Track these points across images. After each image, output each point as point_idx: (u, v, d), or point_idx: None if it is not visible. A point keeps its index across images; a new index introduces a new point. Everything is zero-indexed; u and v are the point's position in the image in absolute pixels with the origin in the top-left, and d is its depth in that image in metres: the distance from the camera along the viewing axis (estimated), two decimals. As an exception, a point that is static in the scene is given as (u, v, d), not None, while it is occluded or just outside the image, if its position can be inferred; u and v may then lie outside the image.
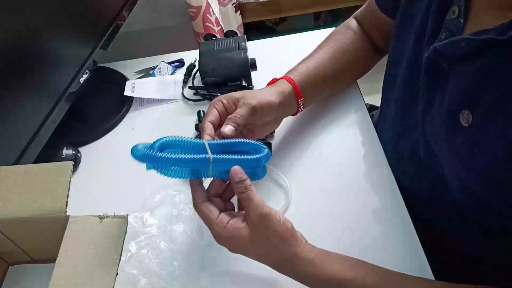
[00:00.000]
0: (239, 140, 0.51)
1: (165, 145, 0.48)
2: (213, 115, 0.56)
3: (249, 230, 0.48)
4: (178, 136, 0.49)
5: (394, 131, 0.65)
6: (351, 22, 0.77)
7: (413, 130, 0.58)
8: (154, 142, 0.47)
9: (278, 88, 0.64)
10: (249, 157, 0.50)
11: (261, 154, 0.50)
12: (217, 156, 0.49)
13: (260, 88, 0.66)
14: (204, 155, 0.48)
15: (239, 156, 0.50)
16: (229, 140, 0.51)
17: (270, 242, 0.48)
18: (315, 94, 0.71)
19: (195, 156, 0.48)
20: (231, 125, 0.54)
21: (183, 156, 0.47)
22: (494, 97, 0.42)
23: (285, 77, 0.67)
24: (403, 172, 0.64)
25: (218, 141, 0.51)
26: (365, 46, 0.75)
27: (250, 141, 0.51)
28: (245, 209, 0.49)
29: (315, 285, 0.49)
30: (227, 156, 0.49)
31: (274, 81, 0.68)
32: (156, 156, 0.46)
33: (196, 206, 0.50)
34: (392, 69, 0.64)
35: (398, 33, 0.62)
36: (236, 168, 0.49)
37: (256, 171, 0.52)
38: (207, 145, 0.49)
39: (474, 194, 0.49)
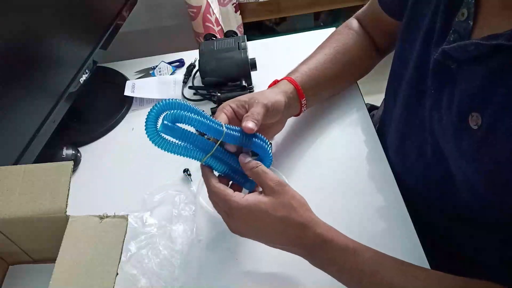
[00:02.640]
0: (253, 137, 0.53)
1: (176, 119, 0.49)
2: (223, 118, 0.56)
3: (268, 198, 0.49)
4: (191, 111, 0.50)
5: (400, 130, 0.65)
6: (352, 22, 0.77)
7: (420, 130, 0.58)
8: (173, 101, 0.48)
9: (281, 88, 0.64)
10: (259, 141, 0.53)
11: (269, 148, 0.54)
12: (229, 131, 0.52)
13: (263, 90, 0.66)
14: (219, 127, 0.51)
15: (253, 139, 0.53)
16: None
17: (290, 206, 0.49)
18: (317, 95, 0.71)
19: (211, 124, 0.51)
20: (252, 121, 0.54)
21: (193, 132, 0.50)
22: (503, 99, 0.42)
23: (287, 78, 0.67)
24: (409, 171, 0.64)
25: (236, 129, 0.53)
26: (367, 46, 0.75)
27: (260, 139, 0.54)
28: (261, 182, 0.50)
29: (332, 252, 0.50)
30: (238, 134, 0.52)
31: (275, 82, 0.68)
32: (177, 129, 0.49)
33: (211, 185, 0.51)
34: (398, 68, 0.64)
35: (404, 32, 0.61)
36: (244, 153, 0.52)
37: (267, 151, 0.54)
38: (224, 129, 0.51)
39: (480, 193, 0.49)
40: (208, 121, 0.50)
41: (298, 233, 0.50)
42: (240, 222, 0.51)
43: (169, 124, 0.49)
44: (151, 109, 0.48)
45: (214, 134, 0.51)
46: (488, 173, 0.46)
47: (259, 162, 0.52)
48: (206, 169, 0.53)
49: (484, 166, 0.46)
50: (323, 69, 0.70)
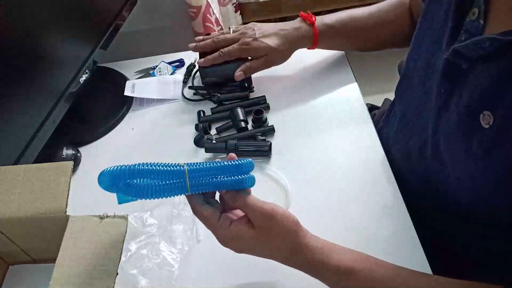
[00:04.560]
0: (220, 165, 0.46)
1: (135, 174, 0.43)
2: None
3: (254, 230, 0.47)
4: (149, 165, 0.43)
5: (405, 130, 0.65)
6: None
7: (422, 131, 0.58)
8: (119, 171, 0.42)
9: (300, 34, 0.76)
10: (229, 178, 0.46)
11: (242, 176, 0.47)
12: (195, 180, 0.45)
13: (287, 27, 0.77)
14: (181, 180, 0.44)
15: (219, 178, 0.46)
16: (209, 165, 0.46)
17: (279, 237, 0.47)
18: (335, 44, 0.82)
19: (172, 182, 0.44)
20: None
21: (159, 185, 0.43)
22: None
23: (315, 29, 0.77)
24: (411, 172, 0.64)
25: (197, 166, 0.46)
26: (407, 26, 0.76)
27: (231, 164, 0.47)
28: (247, 214, 0.47)
29: (324, 274, 0.49)
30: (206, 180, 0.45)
31: (310, 18, 0.78)
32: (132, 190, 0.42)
33: (195, 211, 0.48)
34: (409, 68, 0.64)
35: (417, 31, 0.61)
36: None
37: (242, 184, 0.47)
38: (186, 173, 0.44)
39: (485, 195, 0.49)
40: (165, 182, 0.43)
41: (288, 258, 0.49)
42: (230, 245, 0.49)
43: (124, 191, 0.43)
44: (99, 181, 0.42)
45: (178, 193, 0.45)
46: (497, 172, 0.46)
47: (238, 193, 0.46)
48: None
49: (493, 165, 0.46)
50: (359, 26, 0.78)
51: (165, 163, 0.44)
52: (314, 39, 0.77)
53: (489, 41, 0.44)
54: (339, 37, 0.79)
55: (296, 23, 0.78)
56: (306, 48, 0.80)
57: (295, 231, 0.48)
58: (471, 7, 0.49)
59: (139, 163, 0.43)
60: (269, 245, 0.48)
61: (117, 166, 0.42)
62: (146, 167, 0.43)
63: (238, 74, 0.77)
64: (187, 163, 0.45)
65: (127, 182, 0.43)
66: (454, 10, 0.51)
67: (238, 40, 0.77)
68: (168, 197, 0.44)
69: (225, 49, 0.77)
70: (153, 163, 0.43)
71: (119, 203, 0.44)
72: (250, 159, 0.48)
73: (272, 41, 0.75)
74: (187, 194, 0.46)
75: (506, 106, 0.43)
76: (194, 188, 0.45)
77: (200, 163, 0.46)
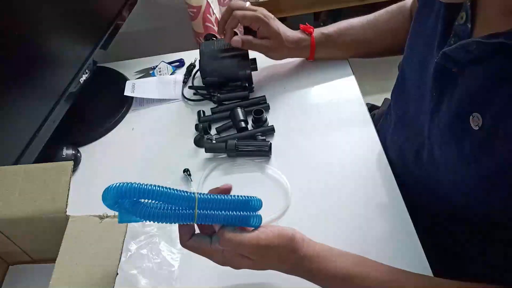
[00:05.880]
0: (230, 198, 0.46)
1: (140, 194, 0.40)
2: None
3: (252, 261, 0.47)
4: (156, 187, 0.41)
5: (400, 133, 0.65)
6: (407, 3, 0.78)
7: (418, 134, 0.58)
8: (128, 187, 0.40)
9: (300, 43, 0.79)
10: (235, 213, 0.46)
11: (248, 213, 0.46)
12: (203, 211, 0.44)
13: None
14: (189, 210, 0.43)
15: (225, 213, 0.45)
16: (218, 197, 0.45)
17: (276, 259, 0.48)
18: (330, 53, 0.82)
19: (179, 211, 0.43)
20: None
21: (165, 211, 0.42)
22: (505, 100, 0.43)
23: (312, 39, 0.78)
24: (408, 173, 0.64)
25: (208, 197, 0.45)
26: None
27: (241, 199, 0.46)
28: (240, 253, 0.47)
29: (322, 281, 0.50)
30: (213, 212, 0.44)
31: (308, 30, 0.78)
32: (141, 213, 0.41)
33: (184, 244, 0.48)
34: (403, 71, 0.64)
35: (411, 35, 0.62)
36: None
37: (249, 221, 0.47)
38: (196, 200, 0.43)
39: (478, 197, 0.49)
40: (174, 209, 0.42)
41: (288, 270, 0.50)
42: (229, 265, 0.49)
43: (126, 210, 0.41)
44: (104, 197, 0.40)
45: (184, 221, 0.43)
46: (487, 174, 0.46)
47: (228, 237, 0.45)
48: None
49: (484, 167, 0.46)
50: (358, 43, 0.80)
51: (175, 188, 0.43)
52: (311, 49, 0.79)
53: (475, 44, 0.45)
54: (337, 47, 0.80)
55: (298, 32, 0.79)
56: (306, 59, 0.83)
57: (292, 248, 0.47)
58: (460, 11, 0.49)
59: (147, 184, 0.41)
60: (267, 265, 0.49)
61: (126, 183, 0.40)
62: (157, 188, 0.41)
63: (236, 40, 0.76)
64: (198, 192, 0.44)
65: (133, 200, 0.41)
66: (444, 14, 0.52)
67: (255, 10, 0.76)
68: (172, 223, 0.43)
69: (241, 11, 0.74)
70: (163, 186, 0.42)
71: (120, 222, 0.42)
72: (259, 198, 0.48)
73: (283, 33, 0.77)
74: (193, 223, 0.44)
75: (495, 108, 0.44)
76: (201, 219, 0.44)
77: (209, 194, 0.45)
